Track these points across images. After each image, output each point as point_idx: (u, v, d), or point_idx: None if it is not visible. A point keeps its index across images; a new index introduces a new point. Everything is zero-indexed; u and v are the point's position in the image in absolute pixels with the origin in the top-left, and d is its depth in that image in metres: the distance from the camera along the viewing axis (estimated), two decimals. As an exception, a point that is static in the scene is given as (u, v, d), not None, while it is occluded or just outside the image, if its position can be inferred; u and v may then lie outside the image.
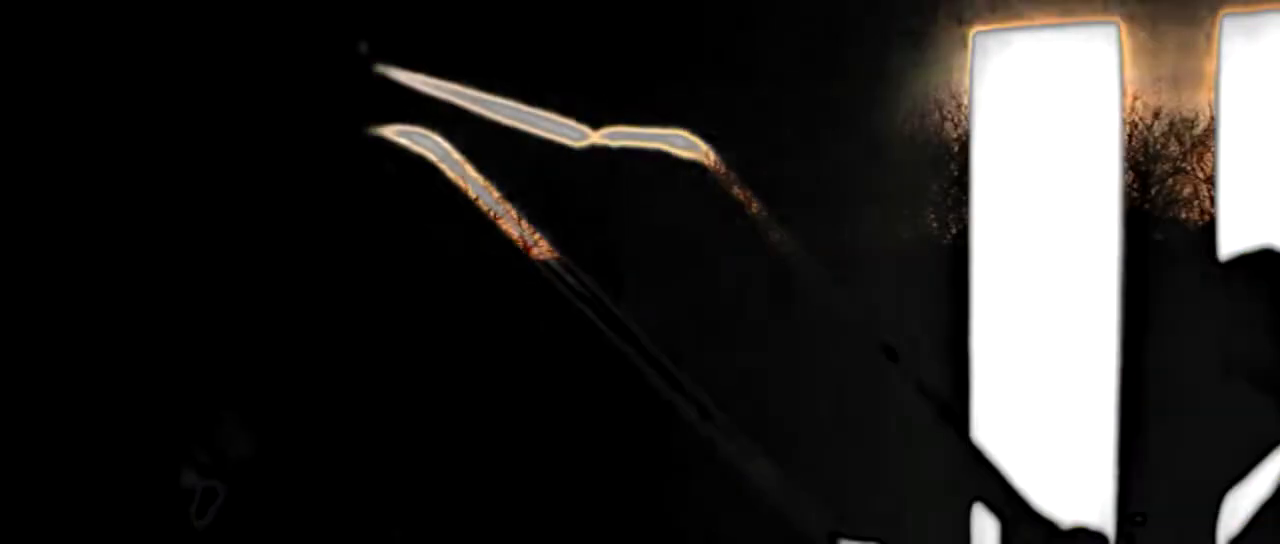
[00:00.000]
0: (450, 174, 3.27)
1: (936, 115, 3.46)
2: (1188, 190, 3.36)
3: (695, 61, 3.36)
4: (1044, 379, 3.33)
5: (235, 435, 3.36)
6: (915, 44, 3.42)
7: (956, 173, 3.42)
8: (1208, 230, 3.21)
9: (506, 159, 3.28)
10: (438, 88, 3.30)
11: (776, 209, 3.27)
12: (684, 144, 3.28)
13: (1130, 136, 3.34)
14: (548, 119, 3.28)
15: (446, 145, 3.29)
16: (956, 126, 3.42)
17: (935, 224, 3.48)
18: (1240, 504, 3.13)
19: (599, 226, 3.34)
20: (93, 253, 3.36)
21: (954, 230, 3.42)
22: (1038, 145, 3.34)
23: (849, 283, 3.29)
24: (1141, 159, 3.37)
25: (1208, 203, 3.26)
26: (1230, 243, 3.16)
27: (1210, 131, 3.24)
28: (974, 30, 3.37)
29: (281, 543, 3.39)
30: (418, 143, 3.30)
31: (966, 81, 3.37)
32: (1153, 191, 3.38)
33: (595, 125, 3.28)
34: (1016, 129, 3.35)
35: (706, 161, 3.27)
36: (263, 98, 3.32)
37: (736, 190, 3.28)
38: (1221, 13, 3.23)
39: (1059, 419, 3.31)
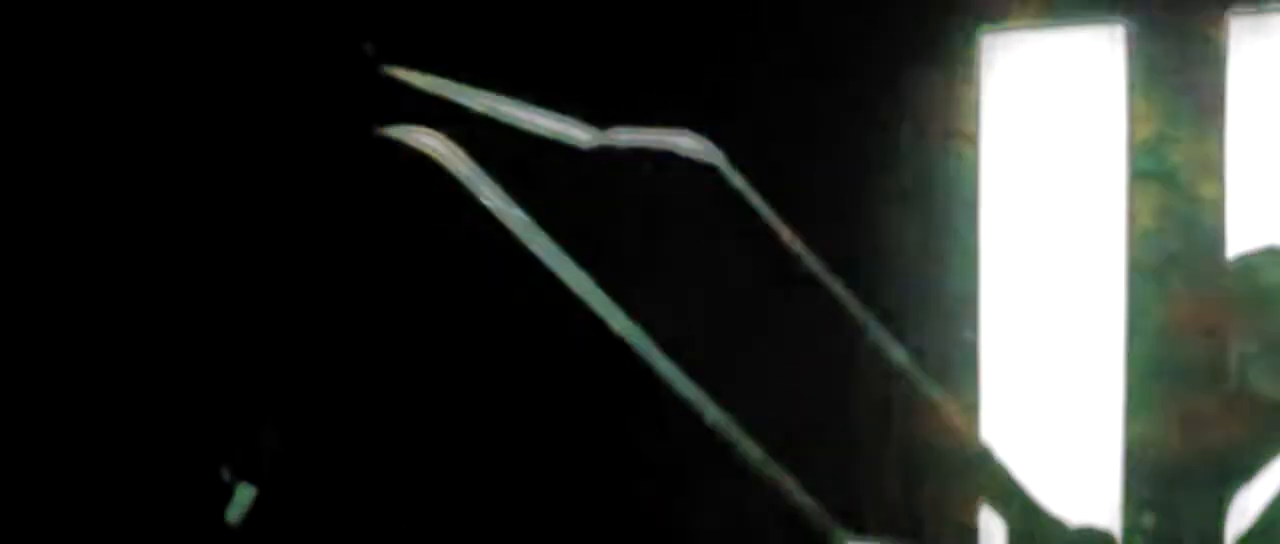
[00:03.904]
0: (456, 175, 3.27)
1: (945, 114, 3.46)
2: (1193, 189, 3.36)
3: (703, 61, 3.36)
4: (1052, 379, 3.33)
5: (269, 440, 3.36)
6: (923, 43, 3.41)
7: (963, 172, 3.42)
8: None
9: (512, 159, 3.28)
10: (444, 88, 3.30)
11: (785, 210, 3.28)
12: (691, 144, 3.28)
13: (1136, 135, 3.34)
14: (554, 119, 3.28)
15: (453, 146, 3.29)
16: (964, 126, 3.43)
17: (940, 224, 3.48)
18: (1249, 504, 3.14)
19: (604, 227, 3.34)
20: (95, 255, 3.36)
21: (959, 230, 3.43)
22: (1045, 144, 3.35)
23: (856, 283, 3.29)
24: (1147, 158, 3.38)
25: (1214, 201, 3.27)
26: (1237, 243, 3.16)
27: (1217, 130, 3.25)
28: (982, 29, 3.37)
29: (286, 539, 3.40)
30: (424, 143, 3.30)
31: (975, 81, 3.37)
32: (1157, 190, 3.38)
33: (602, 126, 3.28)
34: (1024, 128, 3.36)
35: (714, 162, 3.27)
36: (268, 99, 3.32)
37: (744, 191, 3.28)
38: (1230, 11, 3.23)
39: (1067, 419, 3.32)
